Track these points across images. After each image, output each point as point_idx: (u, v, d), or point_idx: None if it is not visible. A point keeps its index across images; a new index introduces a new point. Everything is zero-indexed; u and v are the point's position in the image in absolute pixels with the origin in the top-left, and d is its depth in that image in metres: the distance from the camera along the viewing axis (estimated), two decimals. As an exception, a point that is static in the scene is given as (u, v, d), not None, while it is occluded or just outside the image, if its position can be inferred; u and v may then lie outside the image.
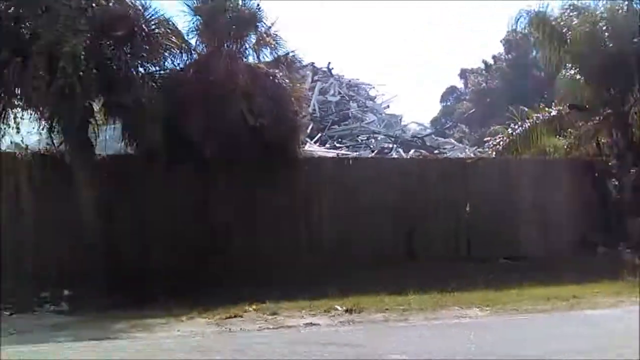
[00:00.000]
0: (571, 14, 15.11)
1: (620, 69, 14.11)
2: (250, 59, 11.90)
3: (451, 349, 5.42)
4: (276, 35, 12.02)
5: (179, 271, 10.49)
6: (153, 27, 10.38)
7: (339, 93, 24.11)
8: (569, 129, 16.48)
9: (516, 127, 15.43)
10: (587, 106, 15.25)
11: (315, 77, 25.16)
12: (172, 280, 10.14)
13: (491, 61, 31.45)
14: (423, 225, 12.65)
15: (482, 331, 6.25)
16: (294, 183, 11.85)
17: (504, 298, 8.20)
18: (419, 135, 19.23)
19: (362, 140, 19.17)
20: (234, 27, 11.07)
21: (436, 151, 17.64)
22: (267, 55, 12.00)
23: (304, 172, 11.85)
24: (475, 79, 32.18)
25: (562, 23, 15.09)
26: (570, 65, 15.36)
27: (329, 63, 26.76)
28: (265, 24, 11.49)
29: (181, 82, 10.45)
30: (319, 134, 19.54)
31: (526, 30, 16.22)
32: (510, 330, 6.31)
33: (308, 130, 19.46)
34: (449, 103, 36.73)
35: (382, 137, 18.83)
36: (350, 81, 27.23)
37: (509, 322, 6.79)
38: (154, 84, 10.35)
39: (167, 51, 10.96)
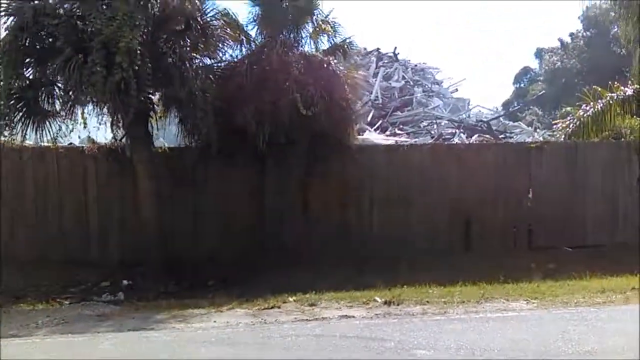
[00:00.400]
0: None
1: None
2: (307, 48, 11.85)
3: (484, 344, 5.11)
4: (334, 22, 11.85)
5: (232, 259, 10.74)
6: (210, 19, 10.50)
7: (404, 78, 23.60)
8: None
9: (588, 108, 14.47)
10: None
11: (380, 63, 24.79)
12: (225, 268, 10.41)
13: (568, 39, 29.61)
14: (481, 213, 12.10)
15: (522, 326, 5.87)
16: (346, 171, 11.69)
17: (556, 290, 7.71)
18: (484, 119, 18.41)
19: (423, 126, 18.65)
20: (290, 16, 11.03)
21: (502, 135, 16.84)
22: (324, 43, 11.93)
23: (357, 160, 11.63)
24: (550, 58, 30.41)
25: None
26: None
27: (395, 48, 26.22)
28: (321, 11, 11.35)
29: (236, 73, 10.52)
30: (380, 121, 19.22)
31: (604, 4, 14.99)
32: (552, 325, 5.86)
33: (369, 118, 19.22)
34: (522, 85, 35.04)
35: (445, 122, 18.19)
36: (416, 66, 26.57)
37: (553, 316, 6.33)
38: (210, 77, 10.53)
39: (224, 43, 11.12)
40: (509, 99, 34.07)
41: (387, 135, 17.83)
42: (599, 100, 14.24)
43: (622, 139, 14.64)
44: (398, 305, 6.89)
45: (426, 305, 6.87)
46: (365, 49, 26.12)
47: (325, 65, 10.71)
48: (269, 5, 11.02)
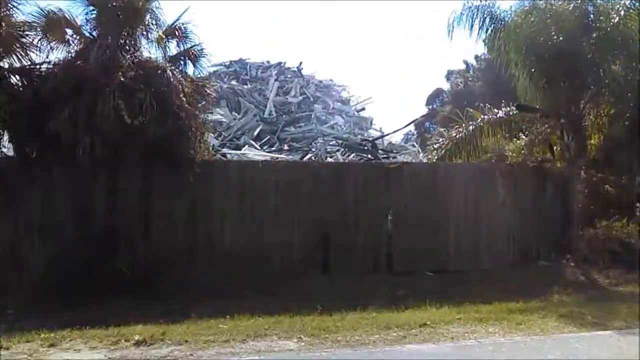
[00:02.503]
0: (518, 9, 13.67)
1: (571, 67, 12.79)
2: (151, 52, 10.82)
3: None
4: (185, 28, 10.98)
5: (57, 286, 9.43)
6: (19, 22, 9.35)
7: (304, 94, 23.04)
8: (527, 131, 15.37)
9: (461, 129, 14.20)
10: (538, 106, 13.91)
11: (282, 77, 24.20)
12: (38, 295, 9.12)
13: (473, 61, 30.04)
14: (339, 235, 11.35)
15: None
16: (193, 187, 10.65)
17: (345, 324, 6.95)
18: (370, 139, 17.94)
19: (310, 143, 18.01)
20: (120, 16, 9.98)
21: (384, 155, 16.35)
22: (171, 49, 10.97)
23: (205, 175, 10.67)
24: (455, 80, 30.76)
25: (513, 19, 13.66)
26: (520, 63, 13.97)
27: (300, 63, 25.75)
28: (155, 14, 10.26)
29: (51, 75, 9.39)
30: (268, 136, 18.48)
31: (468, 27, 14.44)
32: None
33: (256, 132, 18.38)
34: (434, 106, 35.27)
35: (329, 139, 17.60)
36: (321, 82, 26.15)
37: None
38: (24, 80, 9.38)
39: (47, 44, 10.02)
40: (421, 119, 34.12)
41: (268, 152, 17.07)
42: (471, 122, 13.99)
43: (505, 160, 14.43)
44: (149, 345, 5.91)
45: (181, 345, 5.91)
46: (268, 62, 25.49)
47: (158, 72, 9.74)
48: (99, 5, 9.94)
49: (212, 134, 17.46)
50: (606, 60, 12.93)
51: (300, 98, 22.11)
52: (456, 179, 12.07)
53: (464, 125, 13.93)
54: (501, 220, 12.38)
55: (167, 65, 10.07)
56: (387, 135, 18.91)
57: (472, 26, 13.20)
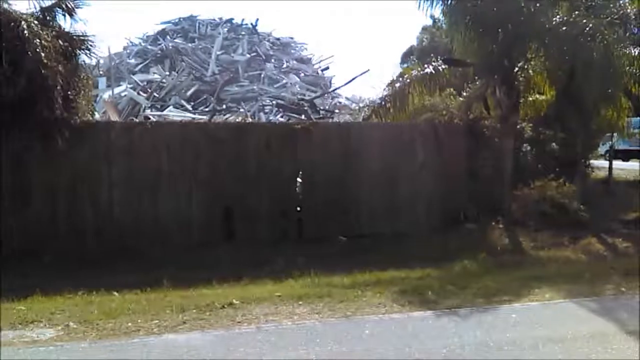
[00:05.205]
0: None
1: (504, 15, 11.47)
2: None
3: None
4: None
5: None
6: None
7: (255, 52, 21.72)
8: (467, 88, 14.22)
9: (390, 87, 13.01)
10: (468, 60, 12.64)
11: (233, 35, 22.86)
12: None
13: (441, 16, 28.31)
14: (244, 201, 10.35)
15: None
16: (74, 153, 9.55)
17: (141, 306, 6.01)
18: (307, 98, 16.69)
19: (251, 103, 16.86)
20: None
21: (319, 116, 15.15)
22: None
23: (85, 139, 9.60)
24: (421, 36, 29.15)
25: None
26: (453, 11, 12.59)
27: (257, 20, 24.34)
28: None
29: None
30: (205, 96, 17.33)
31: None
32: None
33: (189, 92, 17.23)
34: (408, 64, 33.65)
35: (264, 99, 16.43)
36: (279, 40, 24.74)
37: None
38: None
39: None
40: (394, 79, 32.66)
41: (204, 113, 15.97)
42: (399, 79, 12.79)
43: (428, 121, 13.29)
44: None
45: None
46: (220, 18, 24.06)
47: (11, 24, 8.53)
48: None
49: (143, 94, 16.36)
50: (543, 10, 11.55)
51: (249, 56, 20.77)
52: (371, 140, 10.95)
53: (391, 82, 12.71)
54: (422, 182, 11.36)
55: (28, 17, 8.83)
56: (324, 94, 17.65)
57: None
